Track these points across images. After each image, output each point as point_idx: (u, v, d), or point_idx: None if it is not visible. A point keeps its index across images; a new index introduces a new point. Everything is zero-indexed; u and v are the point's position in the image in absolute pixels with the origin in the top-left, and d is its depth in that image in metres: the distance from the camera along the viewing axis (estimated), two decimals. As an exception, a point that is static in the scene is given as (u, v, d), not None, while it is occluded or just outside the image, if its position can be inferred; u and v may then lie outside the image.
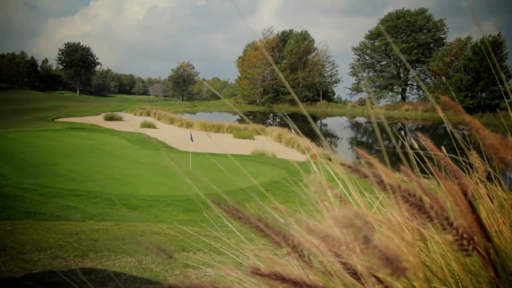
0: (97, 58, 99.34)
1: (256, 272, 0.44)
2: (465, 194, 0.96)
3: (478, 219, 0.76)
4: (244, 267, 1.04)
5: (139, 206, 12.03)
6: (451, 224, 0.53)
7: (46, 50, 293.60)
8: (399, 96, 66.79)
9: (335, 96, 79.46)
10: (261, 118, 54.47)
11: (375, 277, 0.56)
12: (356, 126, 50.13)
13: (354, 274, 0.55)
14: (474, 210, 0.76)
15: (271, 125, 39.97)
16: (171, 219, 10.55)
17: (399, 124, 44.98)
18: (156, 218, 10.69)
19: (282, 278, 0.44)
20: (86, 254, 3.62)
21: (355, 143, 36.18)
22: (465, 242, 0.53)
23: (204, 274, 3.04)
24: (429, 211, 0.53)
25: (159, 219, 10.51)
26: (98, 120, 41.21)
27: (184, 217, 11.07)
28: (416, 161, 1.18)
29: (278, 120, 53.84)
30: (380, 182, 0.52)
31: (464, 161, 1.18)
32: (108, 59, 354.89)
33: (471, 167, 1.17)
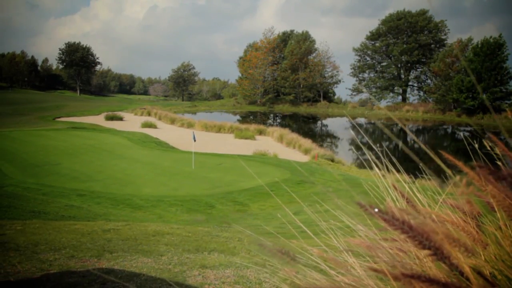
0: (97, 58, 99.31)
1: (397, 276, 0.42)
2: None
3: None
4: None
5: (142, 206, 12.01)
6: None
7: (47, 49, 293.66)
8: (400, 97, 66.83)
9: (336, 97, 79.46)
10: (261, 118, 54.48)
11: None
12: (356, 126, 50.14)
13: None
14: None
15: (271, 125, 40.05)
16: (175, 219, 10.51)
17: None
18: (160, 218, 10.65)
19: (426, 280, 0.42)
20: (101, 254, 3.59)
21: (356, 144, 36.18)
22: None
23: (223, 275, 3.02)
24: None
25: (163, 219, 10.47)
26: (99, 119, 41.17)
27: (188, 217, 11.03)
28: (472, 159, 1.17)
29: (278, 120, 53.87)
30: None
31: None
32: (108, 59, 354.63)
33: None
